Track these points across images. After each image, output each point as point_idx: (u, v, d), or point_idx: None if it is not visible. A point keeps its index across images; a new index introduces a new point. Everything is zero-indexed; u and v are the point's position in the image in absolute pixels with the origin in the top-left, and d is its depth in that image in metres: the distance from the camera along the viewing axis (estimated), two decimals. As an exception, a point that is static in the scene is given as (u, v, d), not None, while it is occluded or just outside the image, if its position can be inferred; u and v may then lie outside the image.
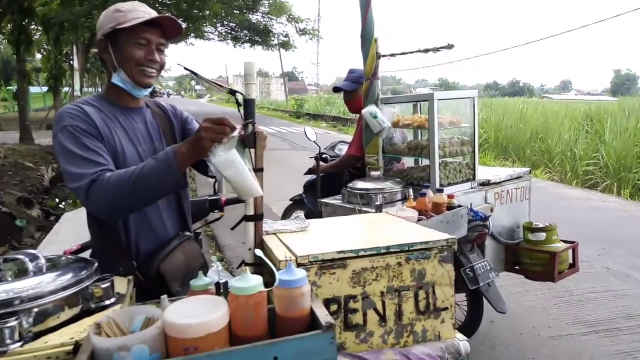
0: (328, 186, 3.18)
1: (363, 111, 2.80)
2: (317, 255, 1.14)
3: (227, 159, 1.17)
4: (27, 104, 13.96)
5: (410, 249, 1.21)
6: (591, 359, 2.83)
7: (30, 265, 1.15)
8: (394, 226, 1.47)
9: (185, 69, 1.39)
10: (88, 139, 1.31)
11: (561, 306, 3.54)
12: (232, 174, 1.18)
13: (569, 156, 9.83)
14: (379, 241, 1.23)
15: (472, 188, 2.80)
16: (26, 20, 11.23)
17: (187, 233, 1.58)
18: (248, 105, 1.22)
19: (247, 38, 21.46)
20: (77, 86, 14.88)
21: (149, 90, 1.47)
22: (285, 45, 21.29)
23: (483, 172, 2.99)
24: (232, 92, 1.25)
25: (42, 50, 15.52)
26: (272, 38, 21.19)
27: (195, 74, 1.40)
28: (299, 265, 1.12)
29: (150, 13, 1.40)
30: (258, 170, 1.30)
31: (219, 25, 20.36)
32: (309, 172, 3.73)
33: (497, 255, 2.92)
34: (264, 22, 19.79)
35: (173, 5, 14.49)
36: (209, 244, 5.05)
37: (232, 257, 4.57)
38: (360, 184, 2.53)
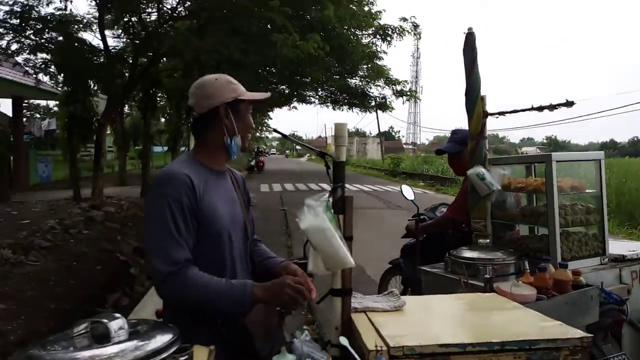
0: (428, 251, 2.94)
1: (469, 172, 2.60)
2: (414, 348, 0.96)
3: (317, 226, 1.07)
4: (150, 162, 15.65)
5: (532, 347, 0.97)
6: None
7: (113, 331, 1.14)
8: (509, 313, 1.23)
9: (276, 131, 1.39)
10: (183, 217, 1.36)
11: None
12: (321, 243, 1.08)
13: None
14: (491, 334, 1.01)
15: (602, 264, 2.40)
16: (153, 89, 12.84)
17: None
18: (337, 168, 1.13)
19: (346, 101, 22.28)
20: (192, 146, 16.34)
21: None
22: (382, 106, 21.68)
23: (614, 246, 2.57)
24: (322, 155, 1.18)
25: (166, 115, 17.48)
26: (370, 100, 21.75)
27: (286, 137, 1.38)
28: (391, 357, 0.95)
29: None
30: (348, 238, 1.18)
31: (319, 90, 21.45)
32: (407, 234, 3.51)
33: (638, 347, 2.41)
34: (362, 86, 20.44)
35: (277, 73, 15.56)
36: (300, 304, 4.93)
37: (323, 321, 4.38)
38: (466, 253, 2.28)
